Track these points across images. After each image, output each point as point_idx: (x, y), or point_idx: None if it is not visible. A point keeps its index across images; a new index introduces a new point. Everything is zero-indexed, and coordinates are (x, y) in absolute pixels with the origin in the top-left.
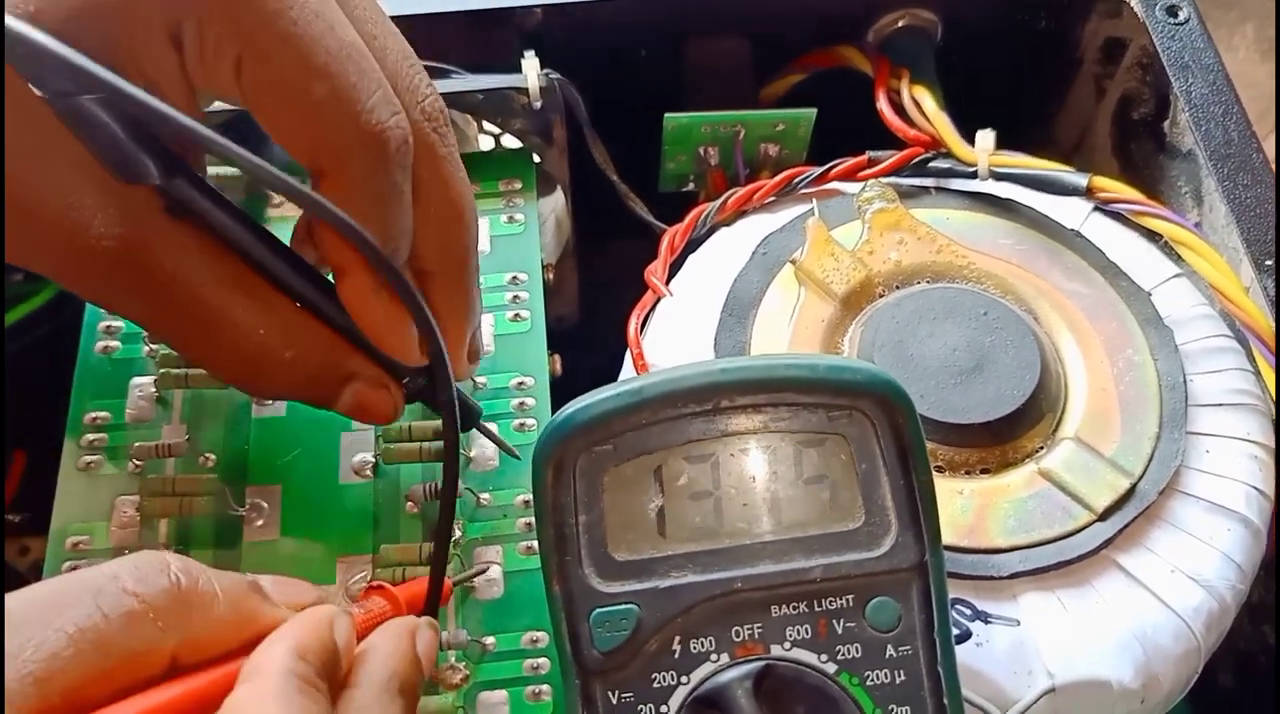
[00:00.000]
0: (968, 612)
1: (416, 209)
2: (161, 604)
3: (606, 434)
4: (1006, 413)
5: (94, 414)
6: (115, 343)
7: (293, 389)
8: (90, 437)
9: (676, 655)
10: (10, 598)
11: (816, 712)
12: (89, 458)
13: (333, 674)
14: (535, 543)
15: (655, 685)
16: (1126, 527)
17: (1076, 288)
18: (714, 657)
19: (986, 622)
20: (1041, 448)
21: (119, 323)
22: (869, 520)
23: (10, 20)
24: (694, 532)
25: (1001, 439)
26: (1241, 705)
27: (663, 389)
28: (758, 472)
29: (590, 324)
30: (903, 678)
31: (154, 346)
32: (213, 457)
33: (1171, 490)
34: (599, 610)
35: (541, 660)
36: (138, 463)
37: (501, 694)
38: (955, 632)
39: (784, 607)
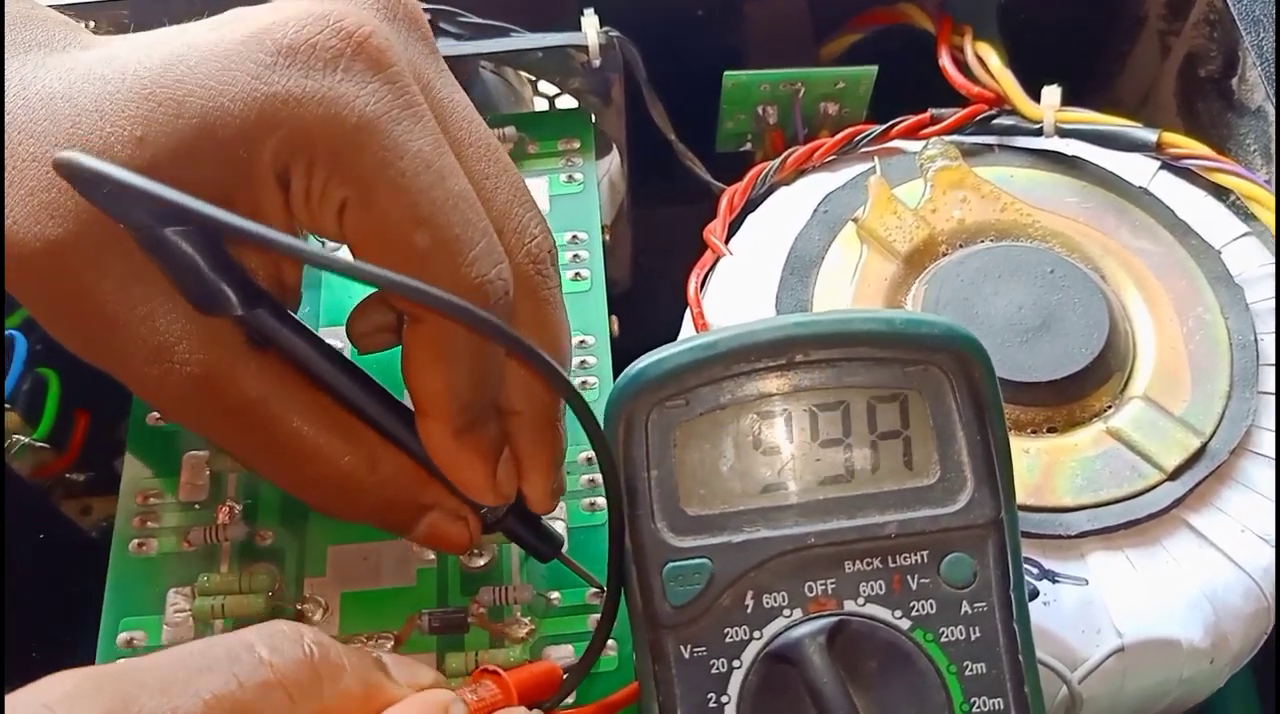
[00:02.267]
0: (1035, 570)
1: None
2: (294, 675)
3: (679, 389)
4: (1074, 371)
5: None
6: None
7: (371, 515)
8: None
9: (749, 610)
10: (150, 660)
11: (889, 668)
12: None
13: None
14: (598, 499)
15: (728, 640)
16: (1197, 486)
17: (1144, 246)
18: (787, 612)
19: (1054, 581)
20: (1109, 407)
21: None
22: (944, 476)
23: (87, 159)
24: (767, 487)
25: (1068, 398)
26: None
27: (736, 343)
28: (831, 427)
29: (642, 289)
30: (978, 634)
31: None
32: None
33: (1242, 450)
34: (672, 564)
35: None
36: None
37: (568, 649)
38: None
39: (858, 562)
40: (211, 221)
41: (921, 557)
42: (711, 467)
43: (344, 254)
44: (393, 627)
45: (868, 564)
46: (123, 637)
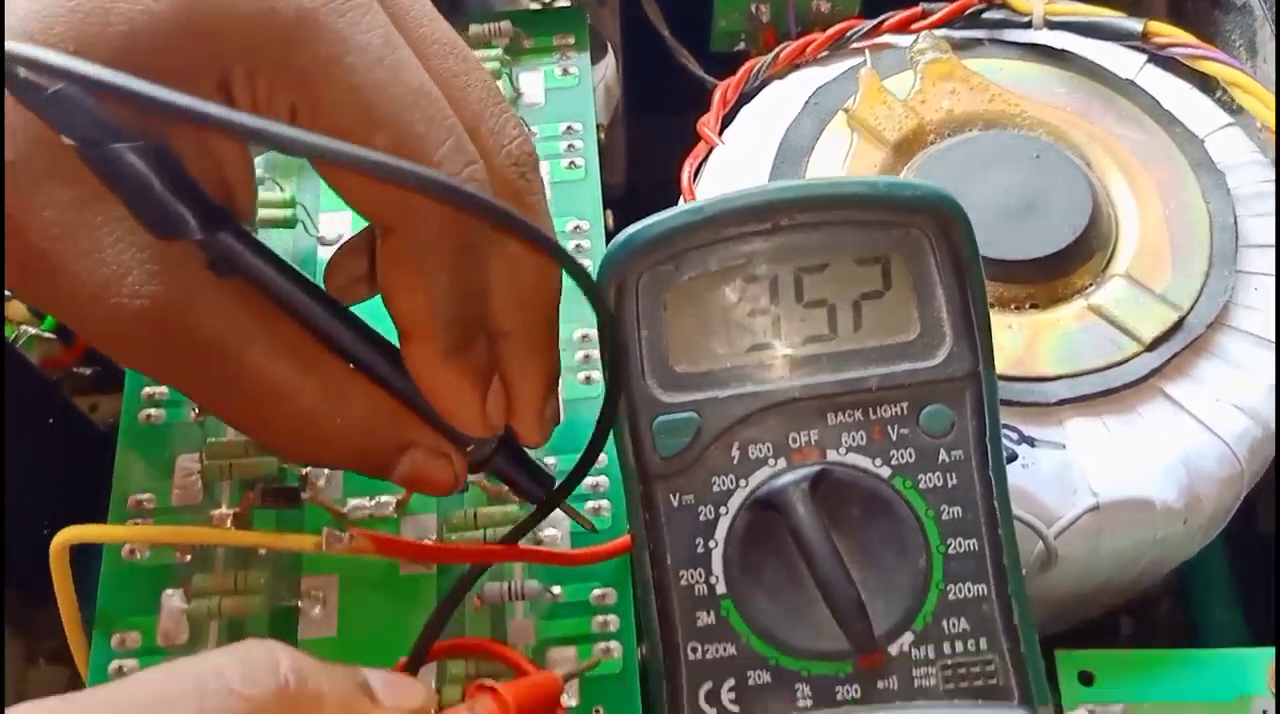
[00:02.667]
0: (1015, 436)
1: (495, 263)
2: (267, 707)
3: (668, 253)
4: (1057, 249)
5: None
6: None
7: (344, 459)
8: None
9: (735, 461)
10: (116, 687)
11: (870, 514)
12: None
13: None
14: (593, 372)
15: (715, 489)
16: (1174, 357)
17: (1129, 134)
18: (772, 461)
19: (1033, 445)
20: (1091, 285)
21: None
22: (924, 332)
23: (36, 50)
24: (753, 345)
25: (1052, 275)
26: None
27: (723, 208)
28: (815, 288)
29: (637, 192)
30: (954, 481)
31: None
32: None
33: (1220, 325)
34: (661, 418)
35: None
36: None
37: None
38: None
39: (840, 414)
40: (163, 106)
41: (901, 408)
42: (700, 327)
43: None
44: (395, 491)
45: (849, 416)
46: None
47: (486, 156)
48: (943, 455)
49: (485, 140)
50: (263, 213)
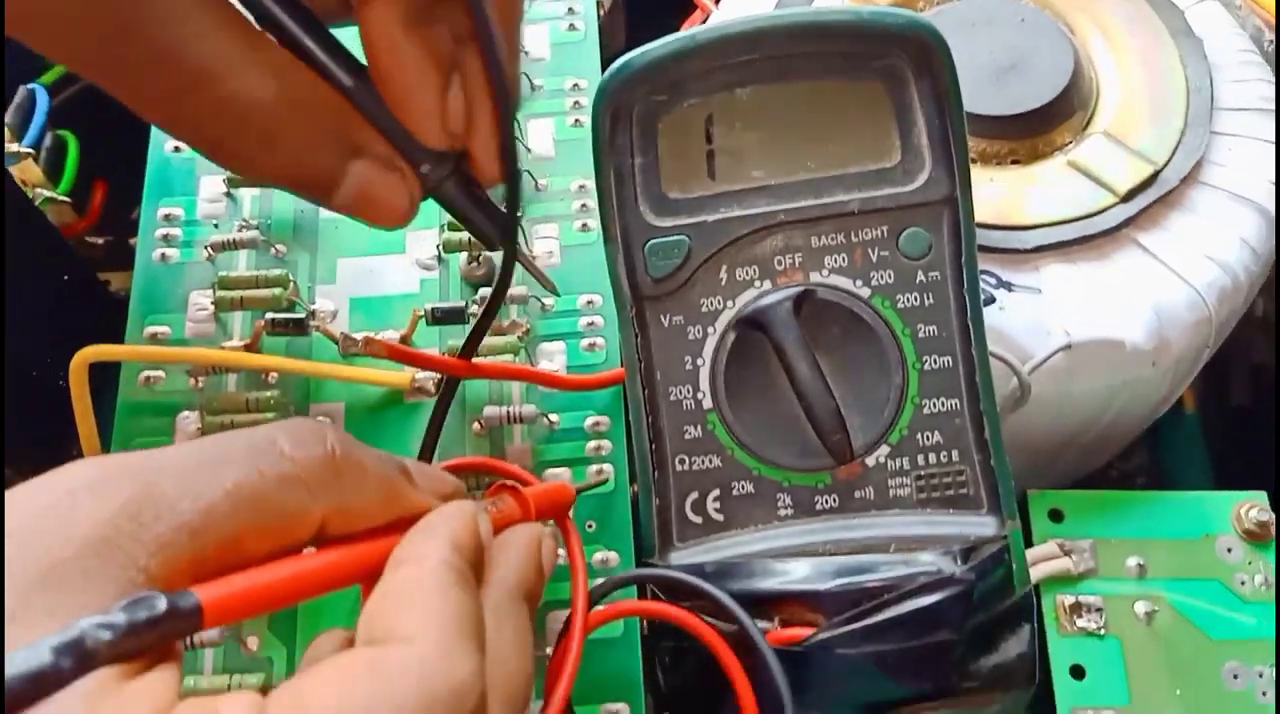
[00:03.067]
0: (993, 281)
1: None
2: (315, 471)
3: (662, 81)
4: (1038, 106)
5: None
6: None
7: (286, 162)
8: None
9: (723, 283)
10: (172, 450)
11: (850, 332)
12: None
13: (478, 568)
14: (590, 219)
15: (703, 309)
16: (1148, 208)
17: (1112, 3)
18: (757, 283)
19: (1010, 289)
20: (1071, 143)
21: None
22: (905, 158)
23: None
24: (741, 172)
25: (1034, 131)
26: (1257, 419)
27: (714, 35)
28: (802, 115)
29: None
30: (931, 301)
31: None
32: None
33: (1193, 180)
34: (653, 241)
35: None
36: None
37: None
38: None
39: (823, 237)
40: None
41: (881, 231)
42: (691, 154)
43: None
44: (398, 326)
45: (832, 239)
46: None
47: None
48: (920, 276)
49: None
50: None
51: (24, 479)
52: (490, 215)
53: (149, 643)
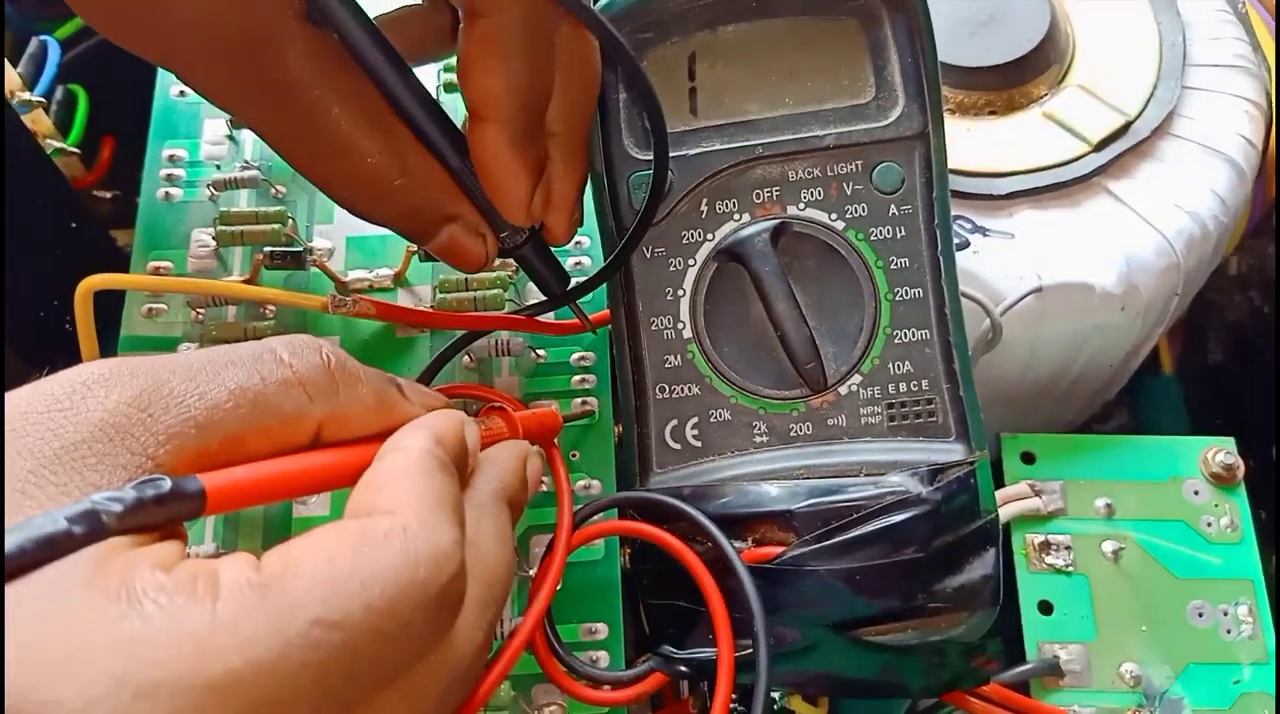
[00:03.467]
0: (968, 226)
1: (559, 62)
2: (312, 377)
3: (647, 18)
4: (1015, 58)
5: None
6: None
7: (394, 218)
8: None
9: (704, 216)
10: (179, 355)
11: (825, 264)
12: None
13: (462, 468)
14: None
15: (684, 242)
16: (1119, 158)
17: None
18: (736, 216)
19: (985, 234)
20: (1046, 95)
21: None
22: (878, 95)
23: None
24: (722, 107)
25: (1009, 83)
26: (1234, 377)
27: None
28: (779, 53)
29: None
30: (903, 234)
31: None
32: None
33: (1165, 132)
34: (636, 174)
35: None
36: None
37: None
38: (955, 242)
39: (799, 172)
40: None
41: (856, 166)
42: (674, 90)
43: None
44: (393, 263)
45: (808, 173)
46: None
47: None
48: (893, 210)
49: None
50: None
51: None
52: (553, 270)
53: (155, 519)
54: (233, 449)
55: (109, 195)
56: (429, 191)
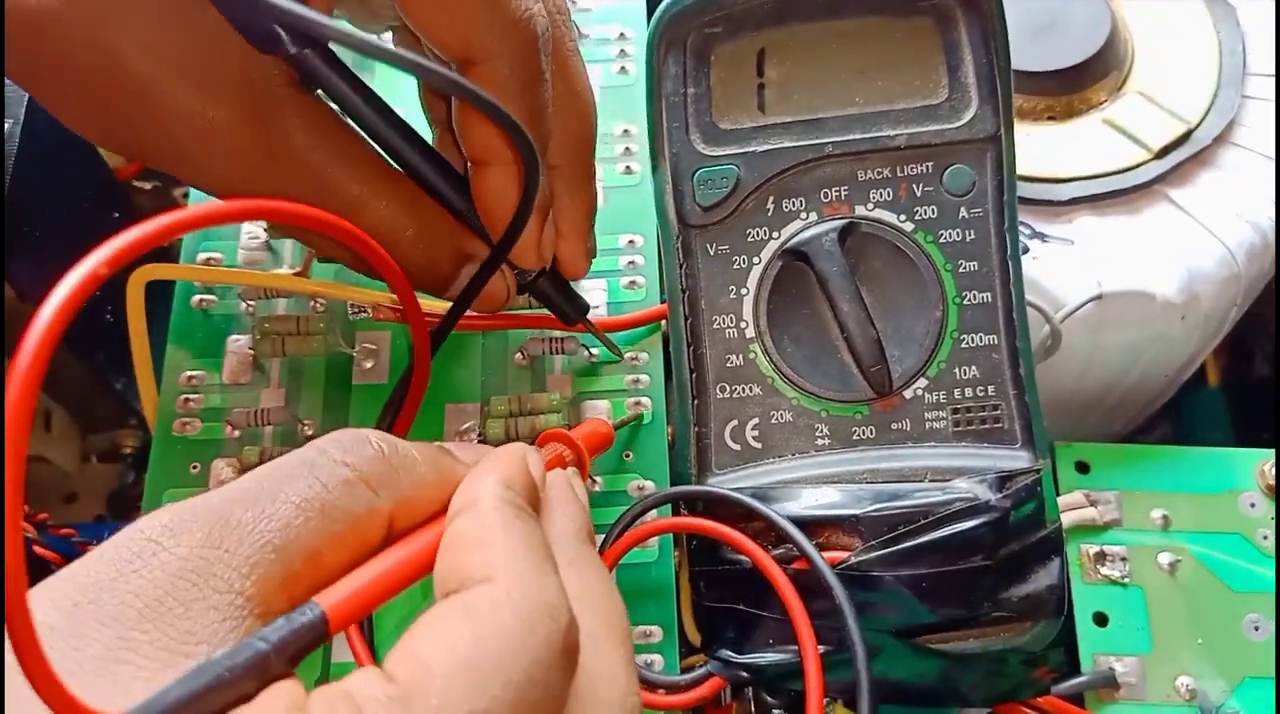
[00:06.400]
0: (1028, 231)
1: (554, 100)
2: (371, 470)
3: (717, 13)
4: (1075, 63)
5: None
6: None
7: (412, 267)
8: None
9: (770, 213)
10: (230, 485)
11: (893, 266)
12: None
13: (534, 503)
14: (633, 163)
15: (749, 239)
16: (1180, 166)
17: None
18: (804, 215)
19: (1044, 240)
20: (1106, 101)
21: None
22: (951, 95)
23: None
24: (791, 104)
25: (1069, 88)
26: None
27: None
28: (852, 51)
29: None
30: (973, 237)
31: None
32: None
33: (1225, 140)
34: (702, 169)
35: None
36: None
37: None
38: None
39: (869, 172)
40: None
41: (926, 167)
42: (743, 85)
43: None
44: None
45: (878, 173)
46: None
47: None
48: (963, 212)
49: None
50: None
51: (72, 414)
52: (570, 300)
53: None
54: (315, 567)
55: (149, 187)
56: (442, 237)
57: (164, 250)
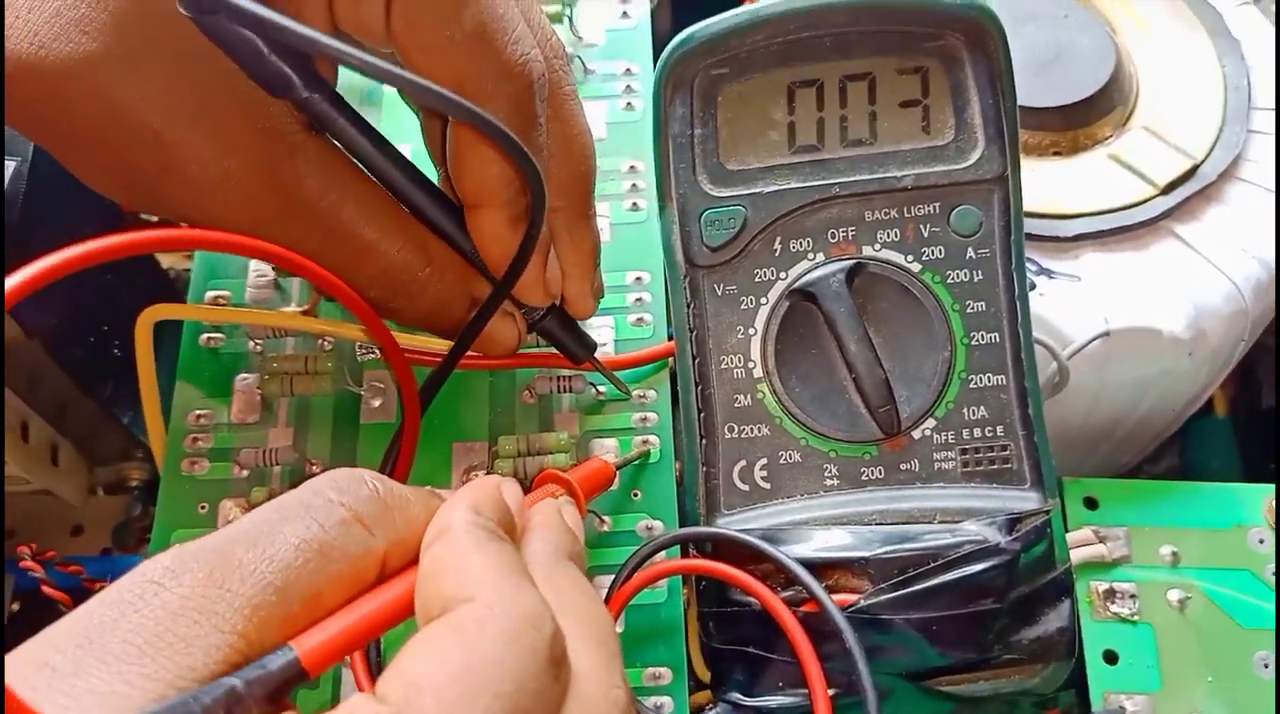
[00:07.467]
0: (1034, 268)
1: (549, 142)
2: (368, 510)
3: (724, 54)
4: (1080, 98)
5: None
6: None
7: (425, 313)
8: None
9: (777, 254)
10: (230, 527)
11: (900, 306)
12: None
13: (510, 529)
14: (639, 199)
15: (757, 280)
16: (1186, 201)
17: (1154, 5)
18: (811, 255)
19: (1050, 277)
20: (1111, 136)
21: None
22: (958, 137)
23: None
24: (798, 146)
25: (1074, 124)
26: None
27: (776, 11)
28: (858, 95)
29: None
30: (980, 277)
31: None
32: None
33: (1231, 176)
34: (710, 211)
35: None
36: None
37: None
38: None
39: (876, 212)
40: (249, 17)
41: (934, 208)
42: (750, 126)
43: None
44: None
45: (885, 214)
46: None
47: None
48: (970, 253)
49: (534, 33)
50: None
51: (79, 447)
52: (578, 339)
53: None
54: (312, 608)
55: (155, 219)
56: (453, 280)
57: (172, 288)
